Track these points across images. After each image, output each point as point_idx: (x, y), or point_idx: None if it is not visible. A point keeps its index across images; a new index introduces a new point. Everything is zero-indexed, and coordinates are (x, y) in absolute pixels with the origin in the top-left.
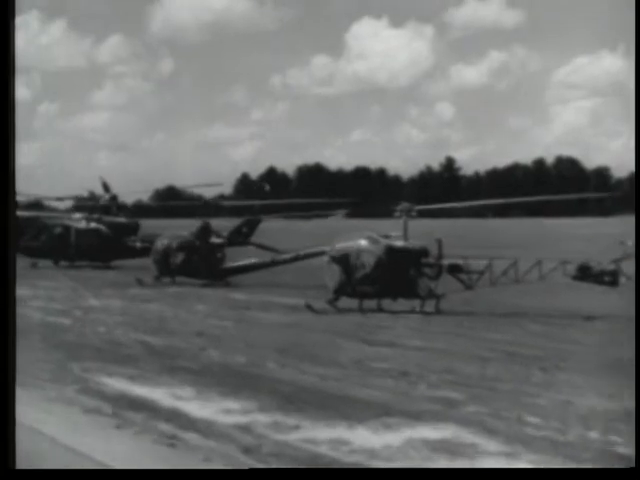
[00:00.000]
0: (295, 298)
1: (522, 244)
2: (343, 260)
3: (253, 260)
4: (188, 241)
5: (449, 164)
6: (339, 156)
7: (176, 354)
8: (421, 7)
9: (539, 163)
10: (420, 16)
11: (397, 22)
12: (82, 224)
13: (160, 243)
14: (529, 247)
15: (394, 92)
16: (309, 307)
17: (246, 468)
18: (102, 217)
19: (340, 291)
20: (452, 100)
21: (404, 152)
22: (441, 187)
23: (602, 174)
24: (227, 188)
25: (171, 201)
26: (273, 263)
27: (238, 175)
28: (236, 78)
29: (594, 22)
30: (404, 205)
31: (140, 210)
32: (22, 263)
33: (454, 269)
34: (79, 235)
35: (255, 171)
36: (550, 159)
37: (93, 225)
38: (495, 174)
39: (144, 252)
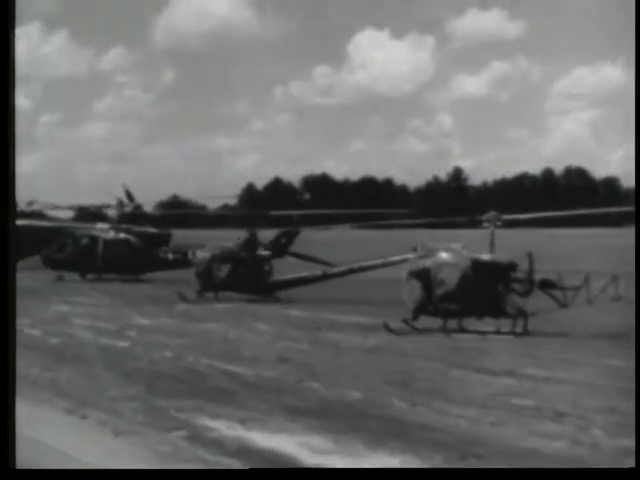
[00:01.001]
0: (358, 315)
1: (559, 256)
2: (423, 275)
3: (305, 273)
4: (233, 253)
5: (456, 174)
6: (340, 166)
7: (273, 387)
8: (422, 18)
9: (548, 173)
10: (421, 27)
11: (398, 33)
12: (110, 234)
13: (203, 255)
14: (568, 259)
15: (395, 102)
16: (387, 328)
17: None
18: (131, 227)
19: (420, 309)
20: (453, 110)
21: (405, 162)
22: (448, 197)
23: (611, 184)
24: (232, 198)
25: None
26: (325, 276)
27: (242, 185)
28: (238, 88)
29: (595, 33)
30: (491, 214)
31: (164, 220)
32: (46, 276)
33: (546, 285)
34: (107, 246)
35: (256, 181)
36: (552, 169)
37: (122, 235)
38: (503, 184)
39: (176, 264)
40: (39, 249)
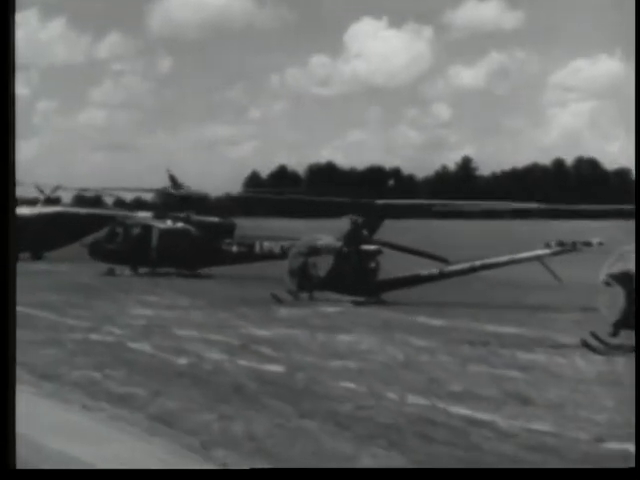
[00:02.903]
0: (514, 326)
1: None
2: (626, 281)
3: (424, 272)
4: (334, 247)
5: (465, 164)
6: (336, 156)
7: (549, 449)
8: (420, 8)
9: (558, 163)
10: (419, 17)
11: (396, 23)
12: (166, 224)
13: (297, 250)
14: None
15: (392, 92)
16: (586, 344)
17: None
18: (190, 215)
19: (622, 323)
20: (450, 101)
21: (402, 152)
22: (457, 187)
23: (622, 175)
24: (236, 186)
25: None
26: (442, 275)
27: (238, 173)
28: (235, 77)
29: (593, 25)
30: None
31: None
32: (92, 269)
33: None
34: (163, 237)
35: (252, 170)
36: (563, 159)
37: (180, 225)
38: (514, 174)
39: (241, 258)
40: (73, 238)
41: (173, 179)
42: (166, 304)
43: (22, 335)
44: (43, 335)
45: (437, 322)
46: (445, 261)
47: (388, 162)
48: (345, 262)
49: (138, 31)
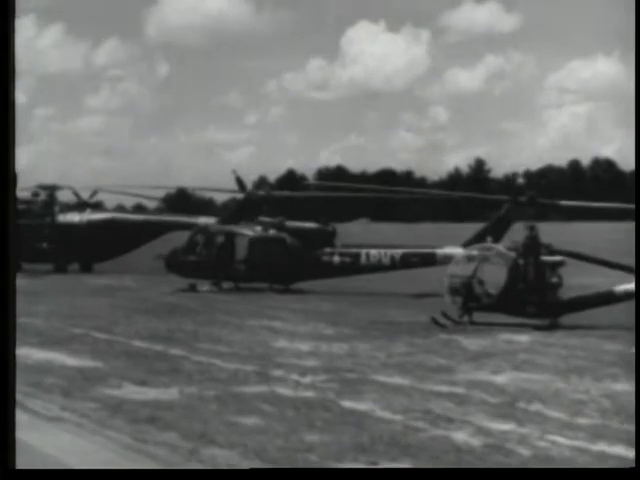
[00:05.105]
0: None
1: None
2: None
3: (619, 288)
4: (507, 258)
5: (479, 166)
6: (334, 160)
7: None
8: (417, 11)
9: (574, 164)
10: (416, 20)
11: (393, 26)
12: (256, 231)
13: (460, 260)
14: None
15: (389, 96)
16: None
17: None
18: (283, 221)
19: None
20: (447, 104)
21: (399, 156)
22: (471, 189)
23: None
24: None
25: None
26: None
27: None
28: (232, 82)
29: (590, 26)
30: None
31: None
32: (165, 284)
33: None
34: (254, 246)
35: (250, 175)
36: (579, 160)
37: (273, 233)
38: (528, 176)
39: (344, 270)
40: (126, 248)
41: (240, 181)
42: (307, 333)
43: (188, 393)
44: (210, 389)
45: None
46: (628, 269)
47: (385, 166)
48: (521, 277)
49: (136, 37)
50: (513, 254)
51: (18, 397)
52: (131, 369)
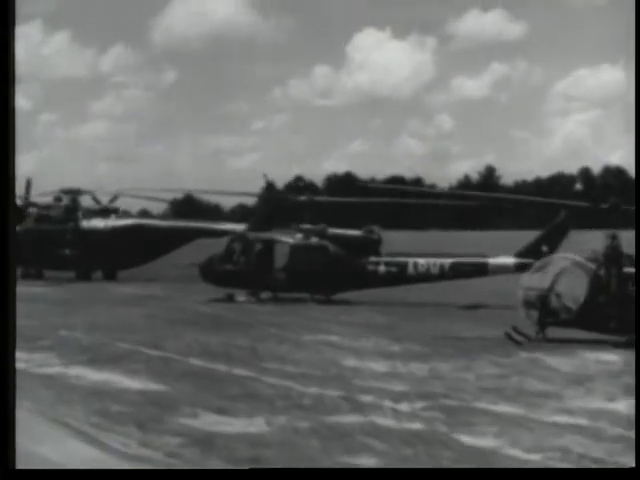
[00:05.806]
0: None
1: None
2: None
3: None
4: (587, 270)
5: (489, 173)
6: (339, 167)
7: None
8: (423, 19)
9: (585, 172)
10: (422, 28)
11: (399, 34)
12: (297, 239)
13: (538, 271)
14: None
15: (395, 103)
16: None
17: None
18: (326, 228)
19: None
20: (453, 112)
21: (405, 163)
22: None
23: None
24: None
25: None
26: None
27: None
28: (238, 89)
29: (596, 35)
30: None
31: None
32: (197, 293)
33: None
34: (295, 255)
35: (254, 182)
36: (590, 168)
37: (315, 240)
38: (539, 183)
39: (389, 280)
40: (151, 255)
41: (270, 185)
42: (372, 349)
43: (279, 425)
44: (300, 419)
45: None
46: None
47: (393, 173)
48: (603, 289)
49: (141, 44)
50: (593, 265)
51: (86, 429)
52: (200, 393)
